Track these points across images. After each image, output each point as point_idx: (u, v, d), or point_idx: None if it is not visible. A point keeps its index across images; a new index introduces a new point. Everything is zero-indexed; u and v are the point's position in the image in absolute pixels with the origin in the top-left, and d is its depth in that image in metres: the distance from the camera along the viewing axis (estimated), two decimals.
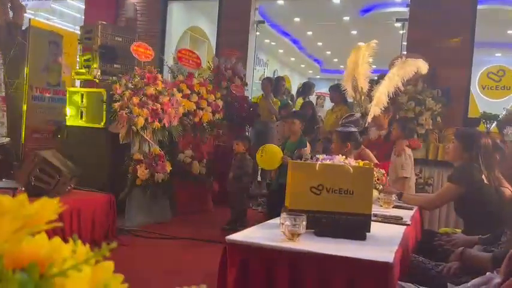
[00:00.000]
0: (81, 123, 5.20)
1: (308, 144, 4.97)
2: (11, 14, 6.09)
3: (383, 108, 3.38)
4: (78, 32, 5.87)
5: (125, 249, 3.99)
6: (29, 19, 6.15)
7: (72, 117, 5.29)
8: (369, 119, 3.30)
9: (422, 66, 3.39)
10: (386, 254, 1.71)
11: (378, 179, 2.92)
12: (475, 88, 9.60)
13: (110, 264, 0.54)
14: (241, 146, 5.14)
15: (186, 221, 5.19)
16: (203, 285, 0.53)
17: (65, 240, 0.53)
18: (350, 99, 3.67)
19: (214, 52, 8.14)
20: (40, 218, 0.52)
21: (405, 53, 6.66)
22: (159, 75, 5.08)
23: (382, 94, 3.26)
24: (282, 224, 1.83)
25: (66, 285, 0.47)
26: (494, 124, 6.17)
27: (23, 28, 6.01)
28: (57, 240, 0.53)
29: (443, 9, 6.56)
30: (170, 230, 4.64)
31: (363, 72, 3.36)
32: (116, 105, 4.71)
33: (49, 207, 0.54)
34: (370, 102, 3.31)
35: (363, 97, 3.25)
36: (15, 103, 5.91)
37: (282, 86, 7.58)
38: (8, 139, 5.82)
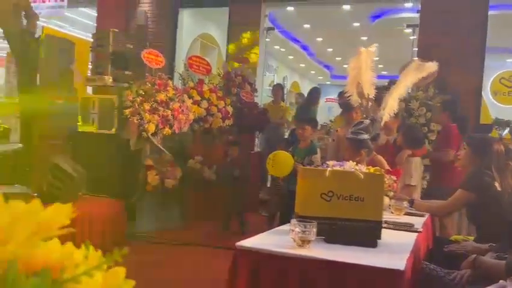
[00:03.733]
0: (92, 129, 5.25)
1: (319, 150, 4.95)
2: (24, 22, 6.18)
3: (393, 114, 3.36)
4: (90, 40, 5.93)
5: (134, 256, 4.00)
6: (42, 27, 6.24)
7: (84, 123, 5.34)
8: (382, 124, 3.29)
9: (432, 70, 3.39)
10: (397, 261, 1.70)
11: (389, 186, 2.90)
12: (486, 94, 9.49)
13: (121, 270, 0.54)
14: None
15: (196, 227, 5.20)
16: None
17: (76, 246, 0.53)
18: (355, 105, 3.65)
19: (224, 59, 8.18)
20: (53, 224, 0.53)
21: (416, 58, 6.63)
22: (170, 82, 5.11)
23: (393, 100, 3.25)
24: (292, 230, 1.82)
25: None
26: (507, 130, 6.11)
27: (36, 36, 6.10)
28: (69, 245, 0.53)
29: (454, 14, 6.53)
30: (180, 236, 4.65)
31: (367, 78, 3.34)
32: (127, 111, 4.75)
33: (62, 213, 0.55)
34: (378, 108, 3.30)
35: (370, 103, 3.24)
36: (28, 110, 5.98)
37: (317, 97, 7.34)
38: (21, 145, 5.89)
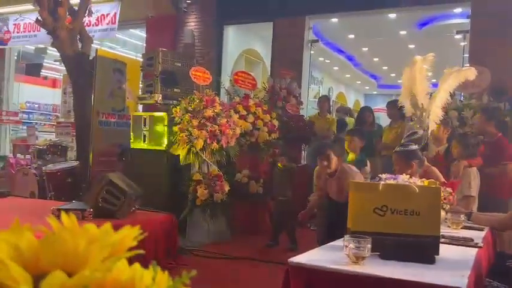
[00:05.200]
0: (144, 145, 5.41)
1: (368, 162, 4.84)
2: (80, 45, 6.51)
3: (439, 122, 3.27)
4: (140, 59, 6.15)
5: (186, 269, 4.06)
6: (96, 49, 6.54)
7: (135, 140, 5.52)
8: (429, 134, 3.20)
9: (470, 74, 3.29)
10: (458, 278, 1.62)
11: (444, 199, 2.79)
12: None
13: None
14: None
15: (244, 240, 5.21)
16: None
17: (132, 261, 0.55)
18: (408, 116, 3.57)
19: (269, 73, 8.25)
20: (123, 246, 0.54)
21: (467, 65, 6.40)
22: (217, 98, 5.20)
23: (436, 107, 3.16)
24: (346, 246, 1.78)
25: None
26: None
27: (91, 58, 6.40)
28: (137, 266, 0.55)
29: (506, 17, 6.26)
30: (229, 249, 4.67)
31: (422, 88, 3.27)
32: (177, 127, 4.87)
33: (130, 235, 0.57)
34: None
35: (424, 113, 3.16)
36: (83, 128, 6.26)
37: (367, 117, 6.50)
38: (77, 163, 6.17)
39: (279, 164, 5.24)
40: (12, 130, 10.71)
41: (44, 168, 5.96)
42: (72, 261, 0.47)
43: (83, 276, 0.43)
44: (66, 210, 3.53)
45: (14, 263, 0.45)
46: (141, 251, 0.54)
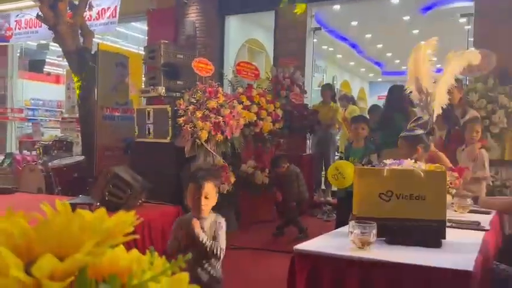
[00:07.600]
0: (148, 138, 5.41)
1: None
2: (81, 40, 6.51)
3: (444, 107, 3.24)
4: (143, 53, 6.14)
5: None
6: (98, 43, 6.53)
7: (140, 133, 5.52)
8: (434, 118, 3.17)
9: (474, 57, 3.25)
10: (465, 261, 1.61)
11: (451, 183, 2.77)
12: None
13: (185, 276, 0.55)
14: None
15: (251, 231, 5.22)
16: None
17: (139, 252, 0.54)
18: (415, 101, 3.53)
19: (272, 62, 8.20)
20: (118, 231, 0.54)
21: (473, 49, 6.33)
22: (220, 89, 5.18)
23: (442, 91, 3.13)
24: (351, 232, 1.78)
25: None
26: None
27: (92, 52, 6.39)
28: (135, 252, 0.54)
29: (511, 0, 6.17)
30: (236, 240, 4.68)
31: (425, 72, 3.23)
32: (181, 120, 4.86)
33: (126, 221, 0.56)
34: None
35: (429, 98, 3.13)
36: (88, 123, 6.28)
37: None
38: (82, 157, 6.19)
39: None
40: (17, 127, 10.76)
41: (50, 164, 5.99)
42: (65, 247, 0.46)
43: (75, 260, 0.43)
44: (73, 205, 3.54)
45: (5, 249, 0.44)
46: (136, 236, 0.53)
